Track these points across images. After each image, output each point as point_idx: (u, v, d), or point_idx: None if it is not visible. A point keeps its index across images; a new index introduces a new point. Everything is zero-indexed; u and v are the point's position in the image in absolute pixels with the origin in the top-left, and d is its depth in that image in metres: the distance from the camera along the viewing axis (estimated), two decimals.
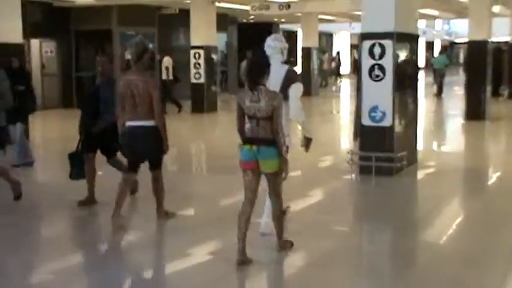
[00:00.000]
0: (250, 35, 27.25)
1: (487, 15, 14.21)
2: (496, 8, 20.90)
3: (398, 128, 8.21)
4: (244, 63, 26.50)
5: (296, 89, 5.24)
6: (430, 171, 8.89)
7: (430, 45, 54.42)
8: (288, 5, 16.82)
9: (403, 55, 8.40)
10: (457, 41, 53.71)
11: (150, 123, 5.50)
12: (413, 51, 8.84)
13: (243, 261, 4.71)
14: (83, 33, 19.02)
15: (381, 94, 8.04)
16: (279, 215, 4.91)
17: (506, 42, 21.96)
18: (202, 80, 16.90)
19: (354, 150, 8.44)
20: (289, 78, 5.24)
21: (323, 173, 8.72)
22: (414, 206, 7.19)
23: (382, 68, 8.03)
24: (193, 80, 17.01)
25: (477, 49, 14.30)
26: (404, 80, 8.51)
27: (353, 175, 8.25)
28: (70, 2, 17.77)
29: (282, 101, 4.64)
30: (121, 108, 5.66)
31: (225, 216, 6.01)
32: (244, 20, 26.96)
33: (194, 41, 16.85)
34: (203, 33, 16.67)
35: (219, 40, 24.54)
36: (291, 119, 5.21)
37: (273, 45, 5.33)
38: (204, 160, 10.84)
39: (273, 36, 5.49)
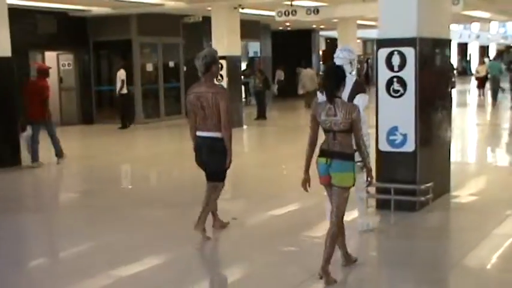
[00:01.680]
0: (286, 43, 26.60)
1: None
2: None
3: (423, 154, 6.87)
4: (279, 72, 26.09)
5: (361, 100, 5.43)
6: (466, 204, 7.47)
7: (484, 50, 52.22)
8: (317, 10, 15.72)
9: (430, 65, 7.08)
10: None
11: (217, 134, 5.63)
12: (444, 59, 7.55)
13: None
14: (101, 44, 18.25)
15: (401, 113, 6.75)
16: (333, 234, 4.73)
17: None
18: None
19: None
20: (355, 89, 5.48)
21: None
22: (441, 251, 5.76)
23: (402, 82, 6.72)
24: None
25: None
26: (433, 94, 7.21)
27: (368, 210, 6.89)
28: (86, 11, 17.02)
29: (359, 113, 4.64)
30: (192, 120, 5.77)
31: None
32: (281, 28, 25.99)
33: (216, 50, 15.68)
34: (226, 41, 15.68)
35: (251, 48, 23.68)
36: None
37: (342, 56, 5.65)
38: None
39: (342, 47, 5.87)
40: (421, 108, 6.76)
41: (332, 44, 27.53)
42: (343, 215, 4.79)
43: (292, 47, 27.40)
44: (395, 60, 6.72)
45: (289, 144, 13.45)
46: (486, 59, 28.53)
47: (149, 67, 18.64)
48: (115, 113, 17.55)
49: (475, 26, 47.37)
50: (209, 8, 15.93)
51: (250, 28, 21.11)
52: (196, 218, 5.89)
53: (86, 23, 18.09)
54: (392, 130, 6.77)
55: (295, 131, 15.92)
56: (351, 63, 5.62)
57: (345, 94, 5.20)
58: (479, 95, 23.97)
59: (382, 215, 6.78)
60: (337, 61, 5.58)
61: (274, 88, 25.11)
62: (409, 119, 6.71)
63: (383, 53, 6.73)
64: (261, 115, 17.91)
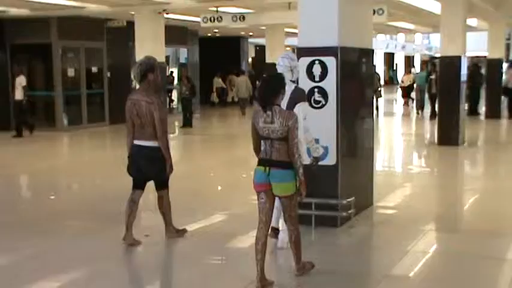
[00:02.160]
0: (215, 50, 26.33)
1: (461, 28, 12.78)
2: (473, 21, 19.80)
3: (345, 167, 6.62)
4: (217, 80, 25.92)
5: (302, 109, 5.39)
6: (387, 218, 7.26)
7: (410, 60, 53.56)
8: (243, 17, 15.44)
9: (352, 75, 6.85)
10: (437, 55, 52.86)
11: (154, 144, 5.61)
12: (367, 69, 7.35)
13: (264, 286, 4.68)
14: (19, 47, 17.35)
15: (322, 125, 6.44)
16: (296, 239, 4.85)
17: (484, 57, 20.72)
18: None
19: None
20: (295, 98, 5.40)
21: (245, 218, 7.00)
22: (359, 269, 5.50)
23: (323, 92, 6.45)
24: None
25: (450, 65, 12.85)
26: (355, 105, 7.00)
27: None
28: (2, 12, 16.10)
29: (297, 121, 4.61)
30: (129, 127, 5.73)
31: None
32: (209, 34, 25.69)
33: (139, 56, 15.09)
34: (149, 47, 15.09)
35: (180, 55, 23.28)
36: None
37: (282, 64, 5.60)
38: None
39: (283, 54, 5.73)
40: (342, 120, 6.51)
41: (262, 51, 27.40)
42: (297, 219, 4.84)
43: (221, 53, 27.18)
44: (317, 70, 6.45)
45: (213, 154, 13.09)
46: (413, 69, 29.13)
47: (71, 72, 17.88)
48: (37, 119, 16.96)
49: (401, 37, 48.52)
50: (132, 13, 15.48)
51: (177, 34, 20.93)
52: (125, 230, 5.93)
53: (3, 24, 17.13)
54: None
55: (223, 139, 15.59)
56: (291, 70, 5.56)
57: (284, 102, 5.15)
58: (404, 104, 24.37)
59: (303, 231, 6.41)
60: (278, 68, 5.57)
61: (213, 96, 24.98)
62: (331, 131, 6.45)
63: (304, 62, 6.43)
64: (187, 123, 17.47)
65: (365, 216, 7.07)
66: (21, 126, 15.70)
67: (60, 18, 16.66)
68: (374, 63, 8.09)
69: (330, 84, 6.39)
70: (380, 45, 44.36)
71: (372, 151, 7.59)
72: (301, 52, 6.48)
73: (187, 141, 15.70)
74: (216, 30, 24.00)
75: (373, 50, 7.55)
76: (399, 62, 53.52)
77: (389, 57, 51.64)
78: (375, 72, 22.48)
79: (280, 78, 4.76)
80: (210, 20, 15.50)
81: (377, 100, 22.04)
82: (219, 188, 9.43)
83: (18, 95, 15.44)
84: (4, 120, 17.37)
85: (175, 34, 20.80)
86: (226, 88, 26.45)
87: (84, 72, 18.08)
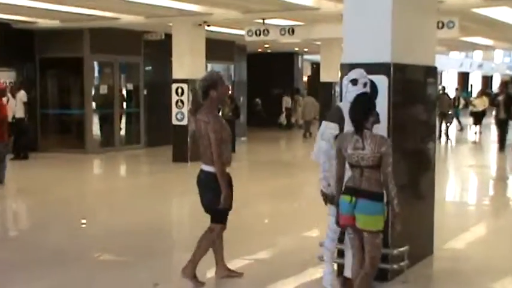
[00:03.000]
0: (265, 67, 26.01)
1: None
2: None
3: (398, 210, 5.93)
4: (286, 99, 25.76)
5: (325, 129, 5.42)
6: (449, 271, 6.53)
7: (488, 81, 52.07)
8: (292, 29, 15.02)
9: (408, 97, 6.25)
10: None
11: (210, 169, 5.54)
12: (429, 90, 6.82)
13: None
14: (49, 61, 17.35)
15: None
16: (367, 275, 4.69)
17: None
18: (184, 122, 15.08)
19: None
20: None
21: (282, 270, 6.45)
22: None
23: None
24: (175, 121, 15.30)
25: None
26: (413, 134, 6.43)
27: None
28: (31, 23, 16.16)
29: (391, 147, 4.60)
30: (195, 149, 5.88)
31: None
32: (260, 50, 25.59)
33: (176, 73, 15.22)
34: (188, 63, 15.02)
35: (226, 71, 23.15)
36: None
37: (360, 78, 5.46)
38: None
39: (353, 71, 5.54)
40: (394, 151, 5.85)
41: (318, 69, 26.97)
42: (378, 263, 4.75)
43: (272, 71, 26.96)
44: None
45: (258, 182, 12.58)
46: (490, 91, 28.01)
47: (103, 89, 17.85)
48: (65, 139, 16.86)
49: (478, 55, 47.28)
50: (170, 24, 15.28)
51: (222, 49, 20.78)
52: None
53: (33, 36, 17.21)
54: None
55: (269, 166, 15.07)
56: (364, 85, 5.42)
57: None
58: (476, 133, 23.28)
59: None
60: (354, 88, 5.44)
61: (282, 117, 25.54)
62: None
63: (347, 79, 5.80)
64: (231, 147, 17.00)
65: (422, 268, 6.40)
66: (21, 147, 15.36)
67: (92, 30, 16.65)
68: (443, 84, 7.32)
69: (380, 108, 5.70)
70: (453, 63, 43.32)
71: (432, 188, 6.90)
72: (345, 69, 5.94)
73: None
74: (267, 45, 23.70)
75: (436, 68, 7.01)
76: (475, 82, 52.08)
77: (463, 78, 50.27)
78: (444, 93, 21.79)
79: (370, 99, 4.82)
80: (256, 34, 15.20)
81: (447, 126, 21.28)
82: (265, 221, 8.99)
83: (19, 112, 15.16)
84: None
85: (219, 49, 20.57)
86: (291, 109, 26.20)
87: (119, 89, 18.12)
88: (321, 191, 5.45)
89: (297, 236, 7.98)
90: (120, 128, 18.28)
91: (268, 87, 26.22)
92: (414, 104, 6.51)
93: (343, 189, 4.80)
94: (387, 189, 4.59)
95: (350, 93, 5.42)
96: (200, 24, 15.05)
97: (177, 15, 14.47)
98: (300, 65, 29.02)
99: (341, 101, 5.75)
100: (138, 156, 17.44)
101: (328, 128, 5.43)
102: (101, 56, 17.45)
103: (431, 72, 6.88)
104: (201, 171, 5.67)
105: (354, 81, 5.43)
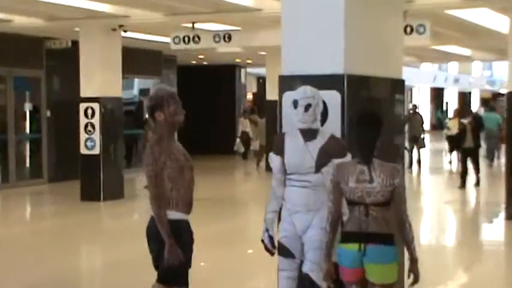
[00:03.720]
0: (201, 83, 25.73)
1: None
2: None
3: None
4: (242, 120, 25.30)
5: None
6: None
7: (464, 97, 53.04)
8: (228, 36, 14.71)
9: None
10: (502, 91, 52.43)
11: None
12: (395, 109, 6.63)
13: None
14: None
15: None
16: None
17: None
18: (96, 151, 14.77)
19: None
20: (331, 150, 5.26)
21: None
22: None
23: None
24: (84, 150, 14.94)
25: None
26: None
27: None
28: None
29: (404, 178, 4.65)
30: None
31: None
32: (194, 62, 25.70)
33: (85, 90, 14.82)
34: (100, 77, 14.68)
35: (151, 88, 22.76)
36: None
37: (307, 95, 5.29)
38: None
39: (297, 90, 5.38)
40: None
41: (265, 84, 26.85)
42: None
43: (208, 87, 26.77)
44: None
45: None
46: (479, 109, 28.36)
47: None
48: None
49: (454, 67, 48.15)
50: (77, 29, 14.94)
51: (147, 60, 20.71)
52: None
53: None
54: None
55: (213, 205, 14.58)
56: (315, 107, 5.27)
57: (300, 154, 5.23)
58: (450, 161, 23.29)
59: None
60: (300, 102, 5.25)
61: (237, 144, 24.76)
62: None
63: (289, 98, 5.48)
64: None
65: None
66: None
67: None
68: (414, 102, 7.15)
69: (332, 131, 5.45)
70: (425, 77, 43.99)
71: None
72: (285, 83, 5.72)
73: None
74: (202, 56, 23.67)
75: (403, 81, 6.84)
76: (450, 99, 52.97)
77: (437, 94, 51.11)
78: (416, 113, 21.79)
79: (380, 118, 4.79)
80: (184, 41, 14.84)
81: (419, 152, 21.25)
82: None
83: None
84: None
85: (143, 60, 20.46)
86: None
87: (13, 110, 17.57)
88: (262, 240, 5.42)
89: None
90: (17, 159, 17.73)
91: (203, 106, 25.88)
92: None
93: (338, 235, 4.74)
94: (402, 231, 4.58)
95: (289, 117, 5.32)
96: (114, 29, 14.77)
97: (85, 17, 14.18)
98: (243, 80, 28.86)
99: (280, 126, 5.62)
100: (39, 194, 17.09)
101: (270, 160, 5.43)
102: None
103: (399, 86, 6.70)
104: (151, 217, 5.47)
105: (294, 103, 5.24)
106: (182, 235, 5.26)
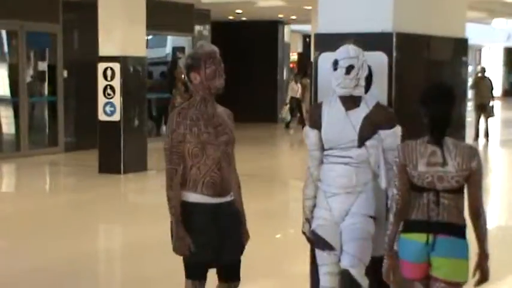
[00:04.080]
0: (237, 41, 26.13)
1: None
2: None
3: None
4: (292, 85, 25.57)
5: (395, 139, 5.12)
6: None
7: None
8: None
9: (422, 83, 5.70)
10: None
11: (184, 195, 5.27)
12: (457, 73, 6.54)
13: None
14: None
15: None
16: None
17: None
18: (116, 117, 14.74)
19: None
20: (379, 121, 5.13)
21: None
22: None
23: None
24: (102, 116, 14.94)
25: None
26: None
27: None
28: None
29: (481, 160, 4.60)
30: None
31: None
32: (231, 17, 25.97)
33: (104, 48, 14.77)
34: (120, 33, 14.61)
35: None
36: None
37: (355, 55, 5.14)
38: None
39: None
40: None
41: (310, 43, 26.76)
42: None
43: (247, 47, 26.90)
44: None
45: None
46: None
47: (2, 69, 17.63)
48: None
49: None
50: None
51: (176, 15, 20.82)
52: None
53: None
54: None
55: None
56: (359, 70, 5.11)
57: (339, 127, 5.08)
58: None
59: None
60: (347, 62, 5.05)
61: (284, 111, 25.45)
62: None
63: (327, 59, 5.33)
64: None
65: None
66: None
67: None
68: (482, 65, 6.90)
69: (377, 99, 5.32)
70: (498, 35, 43.35)
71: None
72: (322, 42, 5.56)
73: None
74: (239, 11, 23.68)
75: (466, 41, 6.71)
76: None
77: (511, 55, 50.37)
78: (484, 77, 21.37)
79: (453, 90, 4.71)
80: None
81: (487, 122, 20.87)
82: None
83: None
84: None
85: (171, 15, 20.42)
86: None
87: (26, 70, 17.63)
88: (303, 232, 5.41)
89: None
90: (30, 125, 17.96)
91: (243, 69, 25.93)
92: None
93: (401, 225, 4.63)
94: (477, 222, 4.50)
95: (327, 82, 5.14)
96: None
97: None
98: (286, 38, 28.85)
99: (315, 95, 5.49)
100: (54, 164, 17.22)
101: (305, 136, 5.34)
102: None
103: (462, 46, 6.61)
104: None
105: (334, 64, 5.05)
106: (194, 221, 5.09)
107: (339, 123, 5.03)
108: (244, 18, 26.16)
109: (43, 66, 18.55)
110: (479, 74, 21.79)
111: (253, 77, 26.71)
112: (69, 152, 18.05)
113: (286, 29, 28.58)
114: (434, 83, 4.92)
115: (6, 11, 16.61)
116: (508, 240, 10.21)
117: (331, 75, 5.06)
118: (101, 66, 14.68)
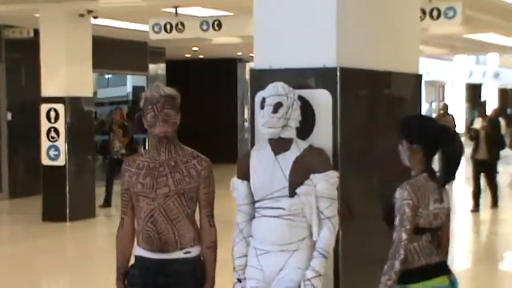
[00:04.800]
0: (194, 79, 26.18)
1: None
2: None
3: None
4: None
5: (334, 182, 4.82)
6: None
7: (506, 94, 52.58)
8: (218, 22, 14.31)
9: (370, 123, 5.62)
10: None
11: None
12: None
13: None
14: None
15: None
16: None
17: None
18: (61, 161, 14.32)
19: None
20: (312, 163, 4.79)
21: None
22: None
23: None
24: (46, 161, 14.50)
25: None
26: (380, 181, 5.66)
27: None
28: None
29: None
30: None
31: None
32: (187, 55, 25.92)
33: (47, 88, 14.43)
34: (65, 72, 14.30)
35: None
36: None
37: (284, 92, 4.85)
38: None
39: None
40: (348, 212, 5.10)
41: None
42: None
43: (204, 85, 26.69)
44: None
45: None
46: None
47: None
48: None
49: (493, 60, 47.86)
50: (38, 15, 14.59)
51: (130, 53, 20.78)
52: None
53: None
54: None
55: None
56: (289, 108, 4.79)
57: (272, 168, 4.71)
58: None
59: None
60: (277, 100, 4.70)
61: None
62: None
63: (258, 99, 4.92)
64: (107, 200, 16.24)
65: None
66: None
67: None
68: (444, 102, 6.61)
69: (321, 143, 4.95)
70: (460, 72, 43.69)
71: None
72: (258, 79, 5.12)
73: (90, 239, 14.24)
74: (195, 49, 23.60)
75: (420, 77, 6.45)
76: (490, 97, 52.68)
77: (473, 91, 50.70)
78: (447, 114, 21.22)
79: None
80: (166, 29, 14.54)
81: None
82: None
83: None
84: None
85: (125, 53, 20.31)
86: None
87: None
88: None
89: None
90: None
91: (203, 108, 25.77)
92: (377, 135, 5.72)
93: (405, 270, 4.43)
94: (447, 255, 4.64)
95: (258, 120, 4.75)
96: (82, 15, 14.50)
97: (44, 0, 13.89)
98: (246, 76, 28.53)
99: (252, 139, 5.10)
100: None
101: (233, 189, 5.14)
102: None
103: (414, 82, 6.36)
104: None
105: (261, 102, 4.69)
106: (133, 275, 4.93)
107: (268, 169, 4.64)
108: (201, 56, 26.06)
109: None
110: (442, 111, 21.68)
111: (213, 116, 26.60)
112: (15, 198, 17.58)
113: (247, 66, 28.37)
114: (446, 126, 4.87)
115: None
116: None
117: (257, 115, 4.71)
118: (44, 108, 14.34)
